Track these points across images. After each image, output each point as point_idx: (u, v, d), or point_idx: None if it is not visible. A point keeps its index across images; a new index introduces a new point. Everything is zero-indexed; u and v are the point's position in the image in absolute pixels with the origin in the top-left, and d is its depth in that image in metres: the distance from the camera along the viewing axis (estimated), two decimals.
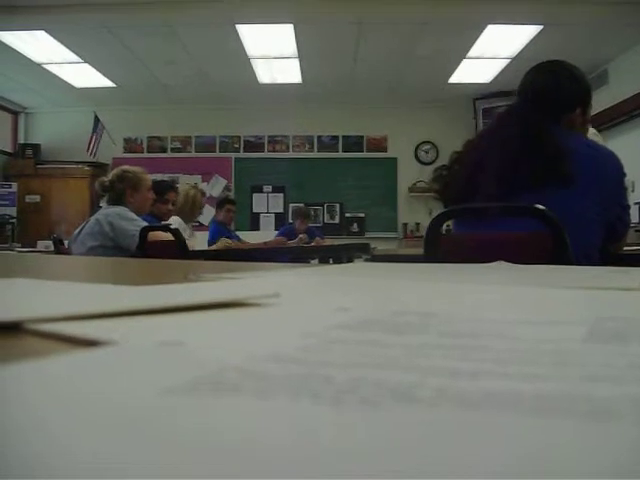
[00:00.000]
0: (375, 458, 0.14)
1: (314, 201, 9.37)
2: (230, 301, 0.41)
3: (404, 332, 0.30)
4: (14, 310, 0.37)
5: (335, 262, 4.68)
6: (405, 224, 9.30)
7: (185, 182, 5.28)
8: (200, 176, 9.49)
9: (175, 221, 4.15)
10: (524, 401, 0.18)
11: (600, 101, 6.73)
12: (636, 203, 5.72)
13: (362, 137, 9.54)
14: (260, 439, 0.15)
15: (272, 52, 7.07)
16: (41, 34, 6.33)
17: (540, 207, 1.56)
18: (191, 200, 4.59)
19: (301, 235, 6.12)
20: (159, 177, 6.04)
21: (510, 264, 0.88)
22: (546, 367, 0.22)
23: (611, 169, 1.77)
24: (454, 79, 8.08)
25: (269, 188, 9.58)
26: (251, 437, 0.15)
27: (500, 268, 0.85)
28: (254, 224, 9.39)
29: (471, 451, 0.14)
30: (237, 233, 6.12)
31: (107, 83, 8.23)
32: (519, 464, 0.13)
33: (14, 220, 8.52)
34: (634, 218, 5.41)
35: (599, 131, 3.59)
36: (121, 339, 0.27)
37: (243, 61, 7.31)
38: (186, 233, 4.10)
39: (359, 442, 0.15)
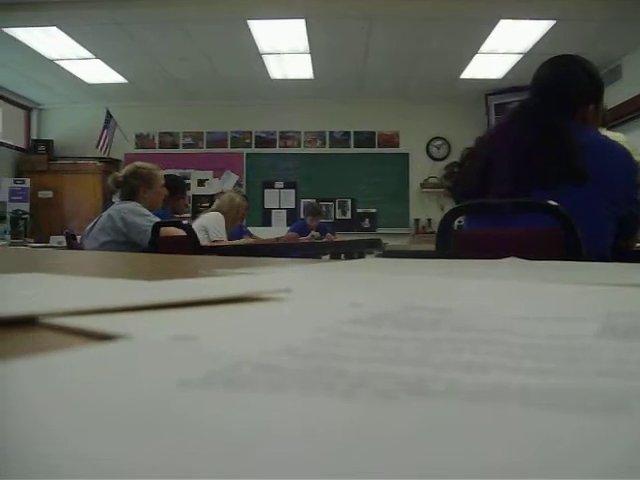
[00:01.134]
0: (389, 451, 0.14)
1: (325, 197, 9.35)
2: (242, 296, 0.41)
3: (416, 327, 0.30)
4: (30, 304, 0.37)
5: (346, 258, 4.67)
6: (417, 220, 9.28)
7: (229, 189, 5.26)
8: (212, 172, 9.51)
9: (218, 220, 4.30)
10: (536, 395, 0.18)
11: (613, 96, 6.69)
12: None
13: (374, 133, 9.52)
14: (274, 432, 0.15)
15: (283, 48, 7.06)
16: (53, 30, 6.35)
17: (552, 203, 1.55)
18: (237, 207, 4.68)
19: (313, 232, 6.12)
20: (171, 172, 6.04)
21: (522, 260, 0.88)
22: (558, 362, 0.22)
23: (623, 164, 1.76)
24: (466, 74, 8.04)
25: (281, 184, 9.57)
26: (265, 430, 0.15)
27: (512, 264, 0.85)
28: (266, 220, 9.40)
29: (483, 444, 0.14)
30: (249, 229, 6.12)
31: (119, 79, 8.25)
32: (530, 458, 0.13)
33: (27, 215, 8.57)
34: None
35: (612, 126, 3.56)
36: (135, 333, 0.27)
37: (254, 57, 7.31)
38: (220, 233, 4.23)
39: (372, 435, 0.15)
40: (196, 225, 4.28)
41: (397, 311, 0.35)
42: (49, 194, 9.07)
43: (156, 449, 0.14)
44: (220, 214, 4.43)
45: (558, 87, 1.85)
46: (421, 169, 9.32)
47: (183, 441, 0.14)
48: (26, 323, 0.32)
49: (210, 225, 4.23)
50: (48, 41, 6.67)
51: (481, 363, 0.22)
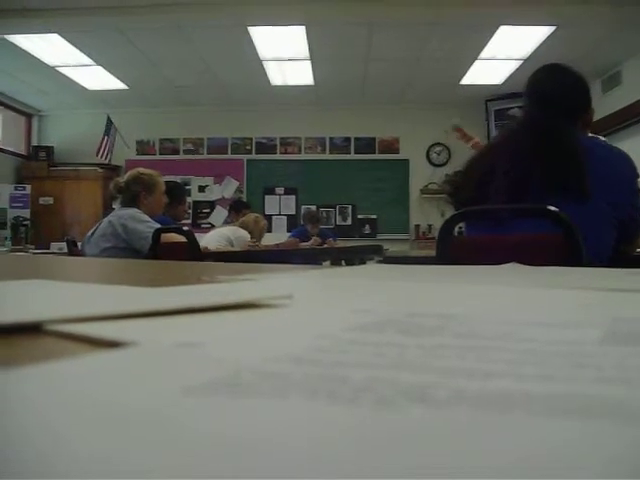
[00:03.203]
0: (391, 457, 0.14)
1: (326, 203, 9.37)
2: (245, 302, 0.41)
3: (419, 333, 0.30)
4: (34, 311, 0.37)
5: (347, 264, 4.68)
6: (417, 226, 9.28)
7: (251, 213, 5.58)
8: (212, 178, 9.51)
9: (244, 238, 4.79)
10: (538, 402, 0.18)
11: (614, 102, 6.71)
12: None
13: (374, 139, 9.52)
14: (277, 439, 0.15)
15: (284, 54, 7.08)
16: (54, 37, 6.37)
17: (553, 208, 1.55)
18: (260, 229, 5.33)
19: (315, 238, 6.13)
20: (172, 179, 6.05)
21: (523, 266, 0.88)
22: (561, 368, 0.22)
23: (624, 169, 1.77)
24: (466, 80, 8.05)
25: (281, 190, 9.58)
26: (268, 437, 0.15)
27: (513, 270, 0.85)
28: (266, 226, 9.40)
29: (485, 451, 0.14)
30: None
31: (120, 85, 8.26)
32: (533, 464, 0.14)
33: (28, 222, 8.57)
34: None
35: (613, 132, 3.57)
36: (139, 340, 0.28)
37: (255, 63, 7.33)
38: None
39: (375, 441, 0.15)
40: (215, 233, 4.56)
41: (400, 317, 0.35)
42: (50, 200, 9.08)
43: (159, 455, 0.14)
44: (246, 232, 4.88)
45: (563, 96, 1.86)
46: (421, 175, 9.33)
47: (186, 447, 0.14)
48: (31, 330, 0.32)
49: (236, 241, 4.72)
50: (49, 48, 6.69)
51: (484, 370, 0.22)
